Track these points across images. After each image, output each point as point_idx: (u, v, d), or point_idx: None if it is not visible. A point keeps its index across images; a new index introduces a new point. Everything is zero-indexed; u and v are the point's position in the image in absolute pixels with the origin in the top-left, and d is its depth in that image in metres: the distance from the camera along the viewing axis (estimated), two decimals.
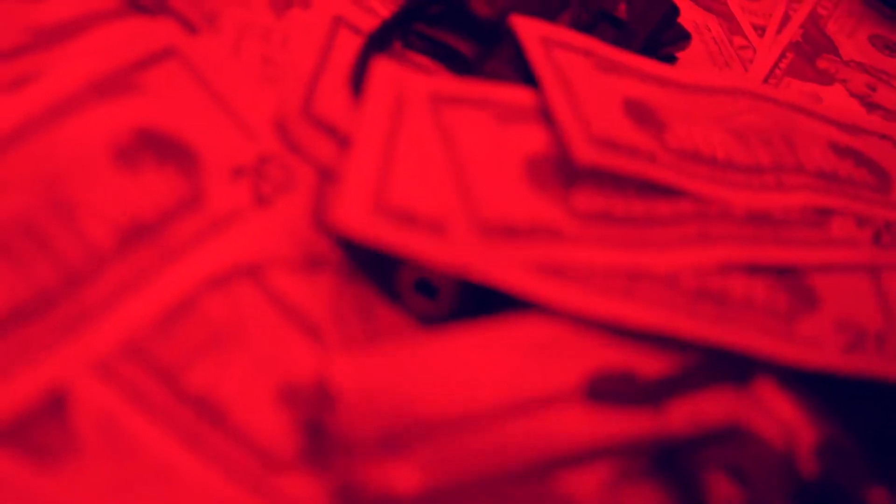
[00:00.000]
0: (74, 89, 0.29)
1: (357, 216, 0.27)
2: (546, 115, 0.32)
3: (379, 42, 0.35)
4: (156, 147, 0.28)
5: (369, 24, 0.36)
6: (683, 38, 0.39)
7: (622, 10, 0.37)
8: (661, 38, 0.37)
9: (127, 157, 0.28)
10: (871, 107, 0.43)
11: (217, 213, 0.28)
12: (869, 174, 0.37)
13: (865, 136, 0.39)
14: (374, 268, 0.29)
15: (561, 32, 0.34)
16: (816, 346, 0.30)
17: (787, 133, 0.36)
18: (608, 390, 0.26)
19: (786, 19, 0.44)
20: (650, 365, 0.28)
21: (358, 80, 0.33)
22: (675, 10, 0.38)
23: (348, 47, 0.34)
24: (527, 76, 0.33)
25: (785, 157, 0.35)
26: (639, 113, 0.33)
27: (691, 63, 0.40)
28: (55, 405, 0.24)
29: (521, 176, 0.30)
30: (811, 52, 0.42)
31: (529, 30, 0.34)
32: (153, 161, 0.28)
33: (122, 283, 0.26)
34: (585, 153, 0.30)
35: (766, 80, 0.41)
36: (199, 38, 0.32)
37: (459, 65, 0.36)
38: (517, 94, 0.32)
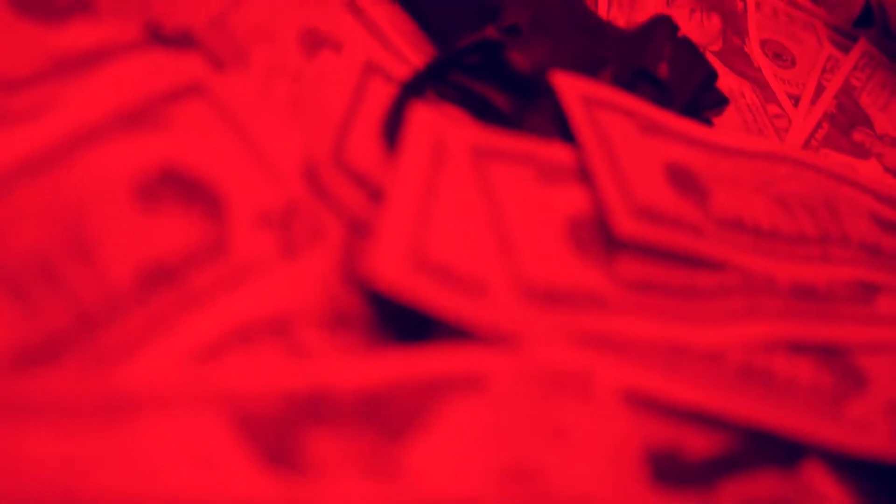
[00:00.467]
0: (97, 120, 0.27)
1: (393, 271, 0.26)
2: (587, 177, 0.30)
3: (413, 91, 0.34)
4: (180, 187, 0.27)
5: (401, 71, 0.35)
6: (722, 102, 0.38)
7: (663, 70, 0.36)
8: (700, 100, 0.36)
9: (150, 195, 0.27)
10: None
11: (242, 261, 0.27)
12: None
13: None
14: (406, 325, 0.27)
15: (602, 90, 0.33)
16: (865, 429, 0.29)
17: (830, 202, 0.35)
18: (656, 469, 0.25)
19: (819, 89, 0.43)
20: (698, 443, 0.26)
21: (391, 129, 0.32)
22: (715, 74, 0.37)
23: (381, 94, 0.33)
24: (566, 132, 0.32)
25: (830, 228, 0.34)
26: (682, 179, 0.32)
27: (726, 129, 0.39)
28: None
29: (564, 238, 0.29)
30: (846, 123, 0.42)
31: (570, 87, 0.33)
32: (177, 202, 0.27)
33: (141, 330, 0.25)
34: (627, 225, 0.29)
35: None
36: (227, 76, 0.31)
37: (495, 118, 0.35)
38: (559, 152, 0.31)
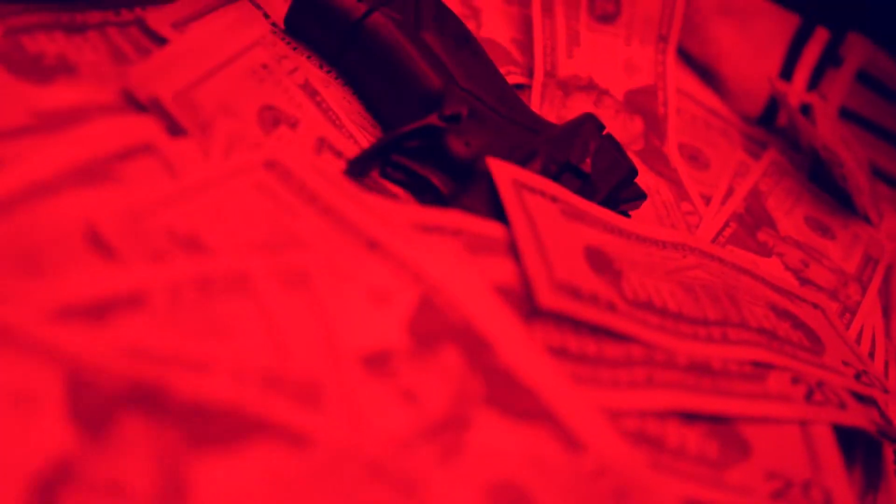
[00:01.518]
0: (53, 173, 0.31)
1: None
2: (516, 251, 0.35)
3: (359, 167, 0.38)
4: None
5: (350, 149, 0.39)
6: (640, 197, 0.42)
7: (587, 165, 0.40)
8: (620, 194, 0.41)
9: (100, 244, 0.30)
10: (804, 281, 0.47)
11: None
12: (805, 337, 0.40)
13: (800, 302, 0.43)
14: None
15: (531, 177, 0.38)
16: (745, 493, 0.33)
17: (731, 290, 0.40)
18: None
19: (730, 191, 0.48)
20: None
21: None
22: (635, 171, 0.42)
23: (330, 168, 0.37)
24: (499, 213, 0.36)
25: (730, 313, 0.39)
26: (599, 260, 0.36)
27: (642, 220, 0.44)
28: None
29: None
30: (752, 224, 0.47)
31: (503, 171, 0.37)
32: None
33: None
34: (547, 298, 0.33)
35: None
36: (179, 140, 0.34)
37: (434, 197, 0.39)
38: (488, 228, 0.35)
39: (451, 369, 0.30)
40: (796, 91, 0.53)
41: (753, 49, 0.54)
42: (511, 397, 0.31)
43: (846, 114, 0.54)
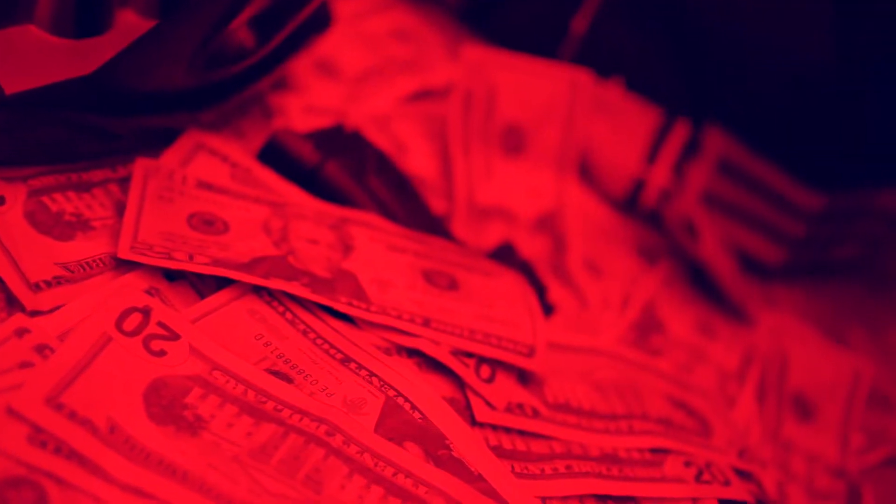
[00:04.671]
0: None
1: None
2: None
3: None
4: None
5: None
6: (548, 311, 0.53)
7: None
8: None
9: None
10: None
11: None
12: (696, 423, 0.51)
13: (692, 392, 0.54)
14: None
15: None
16: None
17: (634, 386, 0.50)
18: None
19: (627, 299, 0.59)
20: None
21: None
22: (544, 290, 0.53)
23: None
24: None
25: (633, 406, 0.49)
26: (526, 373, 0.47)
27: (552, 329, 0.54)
28: None
29: None
30: (645, 329, 0.58)
31: None
32: None
33: None
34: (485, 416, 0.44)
35: None
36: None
37: None
38: (438, 351, 0.46)
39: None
40: (659, 176, 0.65)
41: (620, 140, 0.65)
42: None
43: (706, 196, 0.65)
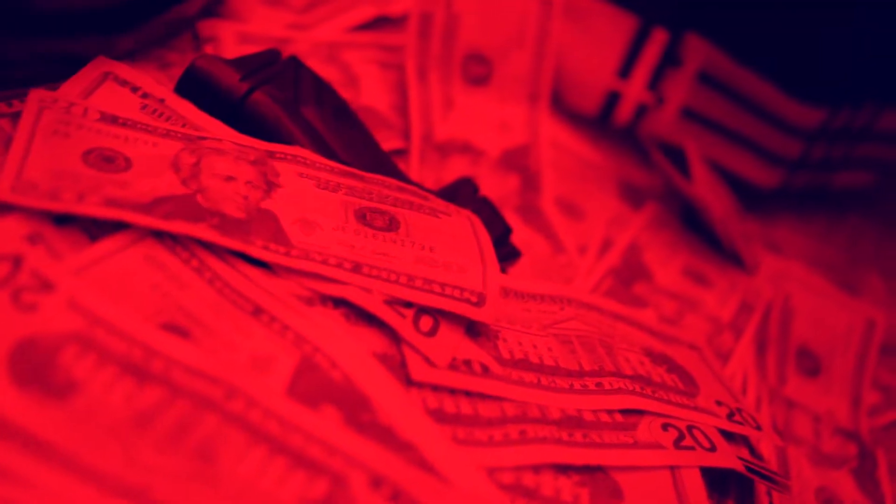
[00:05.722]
0: None
1: None
2: None
3: None
4: None
5: None
6: (515, 255, 0.48)
7: None
8: (497, 253, 0.46)
9: None
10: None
11: None
12: (679, 380, 0.45)
13: (677, 344, 0.49)
14: None
15: None
16: None
17: (607, 339, 0.45)
18: None
19: (606, 243, 0.54)
20: None
21: None
22: (509, 230, 0.47)
23: None
24: None
25: (605, 362, 0.43)
26: (478, 326, 0.42)
27: (520, 276, 0.49)
28: None
29: None
30: (628, 277, 0.52)
31: None
32: None
33: None
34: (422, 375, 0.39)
35: None
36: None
37: None
38: (370, 300, 0.40)
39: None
40: (635, 89, 0.59)
41: (593, 49, 0.59)
42: None
43: (688, 113, 0.60)
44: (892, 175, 0.68)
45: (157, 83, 0.44)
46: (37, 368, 0.32)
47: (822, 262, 0.63)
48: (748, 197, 0.63)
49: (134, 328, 0.34)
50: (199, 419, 0.33)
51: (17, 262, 0.34)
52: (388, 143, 0.50)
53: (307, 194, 0.41)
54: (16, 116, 0.41)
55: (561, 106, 0.60)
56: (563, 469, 0.39)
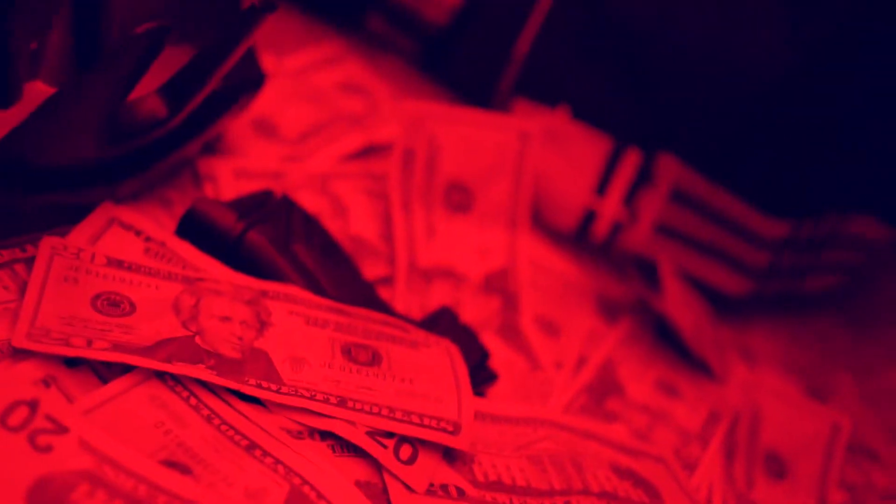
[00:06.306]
0: None
1: None
2: None
3: None
4: None
5: None
6: (492, 378, 0.52)
7: None
8: (475, 377, 0.50)
9: None
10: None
11: None
12: (644, 494, 0.49)
13: (644, 458, 0.52)
14: None
15: None
16: None
17: (577, 457, 0.48)
18: None
19: (582, 360, 0.58)
20: None
21: None
22: (486, 355, 0.51)
23: None
24: None
25: (573, 480, 0.47)
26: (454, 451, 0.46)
27: (499, 395, 0.53)
28: None
29: None
30: (601, 392, 0.56)
31: None
32: None
33: None
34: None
35: None
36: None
37: None
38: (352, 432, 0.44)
39: None
40: (610, 207, 0.63)
41: (570, 170, 0.64)
42: None
43: (662, 228, 0.64)
44: (858, 277, 0.73)
45: (159, 226, 0.48)
46: None
47: (793, 366, 0.67)
48: (722, 305, 0.67)
49: (139, 466, 0.38)
50: None
51: (33, 406, 0.38)
52: (375, 270, 0.54)
53: (297, 332, 0.45)
54: (29, 261, 0.45)
55: (541, 224, 0.64)
56: None
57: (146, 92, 0.47)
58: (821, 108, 0.62)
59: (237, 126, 0.58)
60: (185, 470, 0.39)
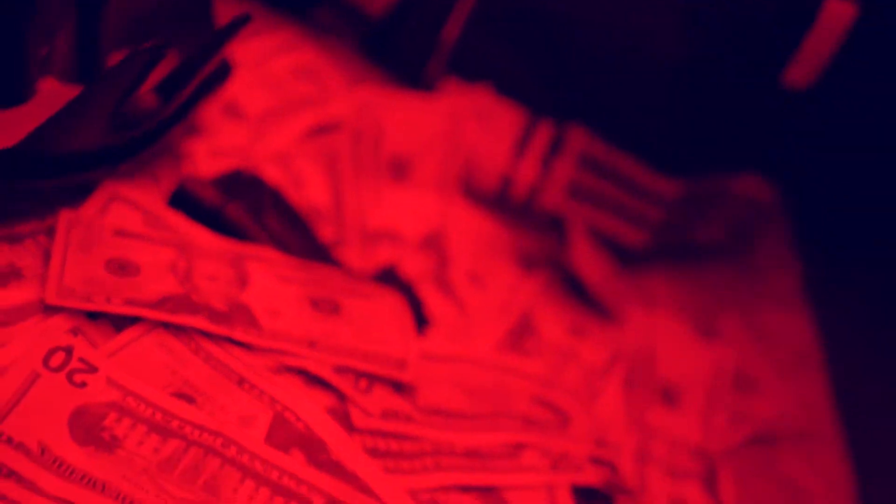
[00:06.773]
0: None
1: None
2: None
3: None
4: None
5: None
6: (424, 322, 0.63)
7: None
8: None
9: None
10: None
11: None
12: (557, 418, 0.60)
13: (557, 389, 0.63)
14: None
15: None
16: None
17: (502, 388, 0.59)
18: None
19: (504, 308, 0.69)
20: None
21: None
22: (419, 304, 0.62)
23: None
24: None
25: (499, 407, 0.58)
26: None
27: (435, 338, 0.64)
28: None
29: None
30: (520, 334, 0.67)
31: None
32: None
33: None
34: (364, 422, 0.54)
35: None
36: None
37: None
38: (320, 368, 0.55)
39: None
40: (526, 171, 0.74)
41: (494, 140, 0.75)
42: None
43: (573, 190, 0.75)
44: (744, 229, 0.84)
45: (154, 200, 0.58)
46: (89, 429, 0.46)
47: (688, 308, 0.79)
48: (626, 256, 0.78)
49: (155, 398, 0.48)
50: (206, 462, 0.47)
51: (68, 351, 0.48)
52: (328, 234, 0.65)
53: (270, 287, 0.56)
54: (48, 230, 0.55)
55: (469, 190, 0.75)
56: (466, 489, 0.53)
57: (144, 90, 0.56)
58: (709, 86, 0.74)
59: (209, 110, 0.68)
60: (190, 400, 0.49)
